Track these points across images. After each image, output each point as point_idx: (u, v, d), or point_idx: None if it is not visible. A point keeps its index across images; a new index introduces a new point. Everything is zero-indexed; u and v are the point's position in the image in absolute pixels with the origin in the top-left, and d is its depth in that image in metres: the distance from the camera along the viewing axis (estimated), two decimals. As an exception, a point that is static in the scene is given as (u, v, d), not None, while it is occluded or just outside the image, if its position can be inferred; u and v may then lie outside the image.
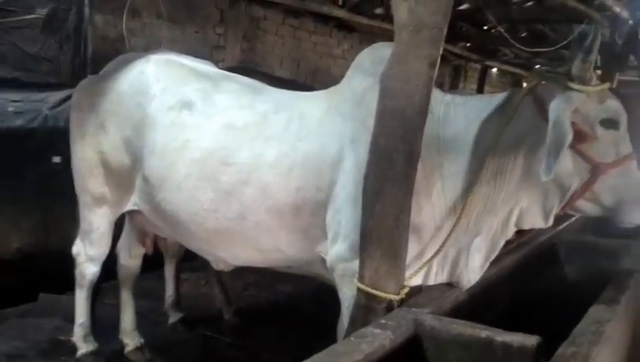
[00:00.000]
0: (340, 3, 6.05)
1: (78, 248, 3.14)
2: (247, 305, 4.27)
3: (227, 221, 2.60)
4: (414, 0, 2.13)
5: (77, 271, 3.17)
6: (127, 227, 3.28)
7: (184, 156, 2.65)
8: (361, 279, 2.30)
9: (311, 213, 2.53)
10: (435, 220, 2.41)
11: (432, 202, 2.40)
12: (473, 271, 2.52)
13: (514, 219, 2.47)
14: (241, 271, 4.21)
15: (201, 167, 2.62)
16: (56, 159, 4.26)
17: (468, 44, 8.90)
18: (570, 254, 3.81)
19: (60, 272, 4.18)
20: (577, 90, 2.30)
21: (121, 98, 2.82)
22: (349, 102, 2.57)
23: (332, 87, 2.76)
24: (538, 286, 3.52)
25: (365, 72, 2.59)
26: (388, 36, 7.90)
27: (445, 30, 2.17)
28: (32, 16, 4.08)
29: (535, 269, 3.52)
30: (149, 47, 4.94)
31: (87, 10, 4.37)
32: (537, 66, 11.27)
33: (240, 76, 2.93)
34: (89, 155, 2.92)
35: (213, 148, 2.61)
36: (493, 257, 2.55)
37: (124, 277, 3.37)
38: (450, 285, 2.60)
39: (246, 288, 4.56)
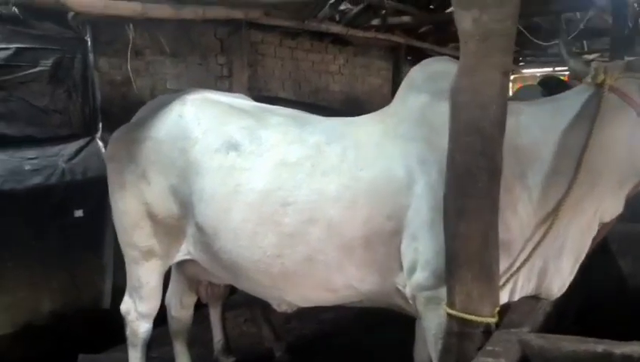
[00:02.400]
0: (337, 19, 5.97)
1: (127, 306, 2.98)
2: (295, 339, 4.12)
3: (294, 264, 2.47)
4: (478, 9, 2.04)
5: (128, 330, 3.02)
6: (176, 276, 3.13)
7: (237, 201, 2.51)
8: (451, 305, 2.18)
9: (383, 244, 2.41)
10: (523, 233, 2.31)
11: (519, 215, 2.30)
12: (563, 277, 2.43)
13: (599, 215, 2.40)
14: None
15: (258, 210, 2.47)
16: (79, 213, 4.11)
17: (455, 44, 8.90)
18: (621, 246, 3.73)
19: (95, 329, 4.07)
20: None
21: (160, 145, 2.68)
22: (407, 122, 2.47)
23: (382, 109, 2.65)
24: (598, 283, 3.43)
25: (419, 90, 2.51)
26: (381, 45, 7.83)
27: (514, 36, 2.08)
28: (37, 69, 3.91)
29: (591, 266, 3.44)
30: (155, 86, 4.83)
31: (91, 55, 4.21)
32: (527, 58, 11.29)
33: (279, 107, 2.81)
34: (132, 208, 2.77)
35: (269, 189, 2.47)
36: (582, 259, 2.46)
37: (176, 329, 3.22)
38: (534, 297, 2.51)
39: (289, 321, 4.40)
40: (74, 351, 3.93)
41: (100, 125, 4.26)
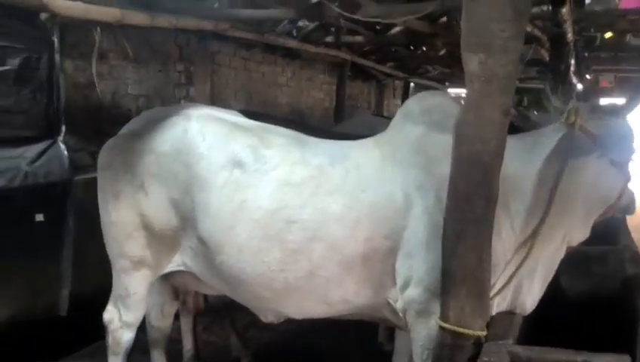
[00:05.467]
0: (295, 33, 6.12)
1: (110, 314, 2.98)
2: (257, 347, 4.20)
3: (296, 279, 2.60)
4: (484, 54, 2.26)
5: (110, 339, 3.01)
6: (159, 286, 3.14)
7: (243, 217, 2.61)
8: (445, 319, 2.39)
9: (379, 261, 2.59)
10: (505, 256, 2.57)
11: (502, 239, 2.55)
12: (535, 295, 2.70)
13: (566, 240, 2.70)
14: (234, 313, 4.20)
15: (263, 227, 2.58)
16: (39, 217, 4.00)
17: (393, 63, 9.28)
18: (563, 263, 4.11)
19: (51, 337, 3.98)
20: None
21: (162, 158, 2.73)
22: (405, 149, 2.66)
23: (378, 135, 2.83)
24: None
25: (415, 121, 2.72)
26: (326, 60, 8.06)
27: (515, 79, 2.32)
28: (3, 68, 3.79)
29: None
30: (117, 90, 4.77)
31: (57, 56, 4.12)
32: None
33: (278, 127, 2.92)
34: (126, 218, 2.79)
35: (275, 207, 2.59)
36: (549, 280, 2.75)
37: (156, 338, 3.23)
38: (509, 312, 2.77)
39: (247, 329, 4.48)
40: (29, 359, 3.83)
41: (63, 128, 4.18)
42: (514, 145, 2.69)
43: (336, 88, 7.97)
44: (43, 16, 3.77)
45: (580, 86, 6.22)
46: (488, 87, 2.28)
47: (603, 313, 3.75)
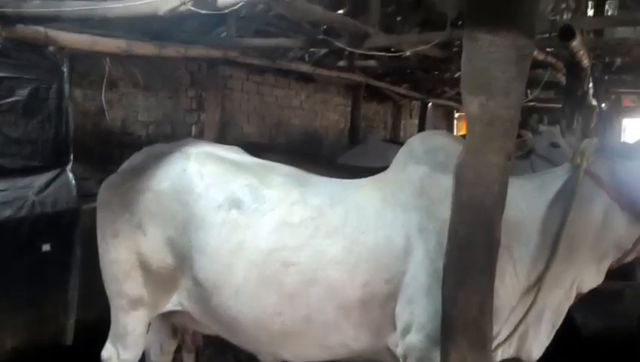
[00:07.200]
0: (307, 58, 6.10)
1: (109, 353, 2.94)
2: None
3: (293, 323, 2.53)
4: (485, 96, 2.19)
5: (108, 377, 2.97)
6: (158, 324, 3.11)
7: (240, 258, 2.55)
8: (445, 369, 2.31)
9: (379, 306, 2.52)
10: (509, 302, 2.47)
11: (505, 285, 2.46)
12: (542, 341, 2.60)
13: (576, 286, 2.59)
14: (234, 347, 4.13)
15: (260, 269, 2.53)
16: (46, 247, 4.00)
17: (409, 85, 9.21)
18: (576, 300, 3.99)
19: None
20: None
21: (161, 197, 2.69)
22: (407, 191, 2.59)
23: (380, 175, 2.76)
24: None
25: (418, 161, 2.64)
26: (342, 83, 8.03)
27: (518, 122, 2.25)
28: (13, 98, 3.81)
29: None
30: (127, 117, 4.79)
31: (66, 86, 4.14)
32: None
33: (279, 165, 2.87)
34: (124, 257, 2.76)
35: (272, 248, 2.53)
36: (558, 326, 2.64)
37: (155, 375, 3.19)
38: (515, 359, 2.67)
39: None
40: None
41: (72, 156, 4.19)
42: (520, 186, 2.61)
43: (351, 110, 7.93)
44: (52, 47, 3.79)
45: (597, 110, 6.08)
46: (489, 130, 2.21)
47: (618, 352, 3.62)
